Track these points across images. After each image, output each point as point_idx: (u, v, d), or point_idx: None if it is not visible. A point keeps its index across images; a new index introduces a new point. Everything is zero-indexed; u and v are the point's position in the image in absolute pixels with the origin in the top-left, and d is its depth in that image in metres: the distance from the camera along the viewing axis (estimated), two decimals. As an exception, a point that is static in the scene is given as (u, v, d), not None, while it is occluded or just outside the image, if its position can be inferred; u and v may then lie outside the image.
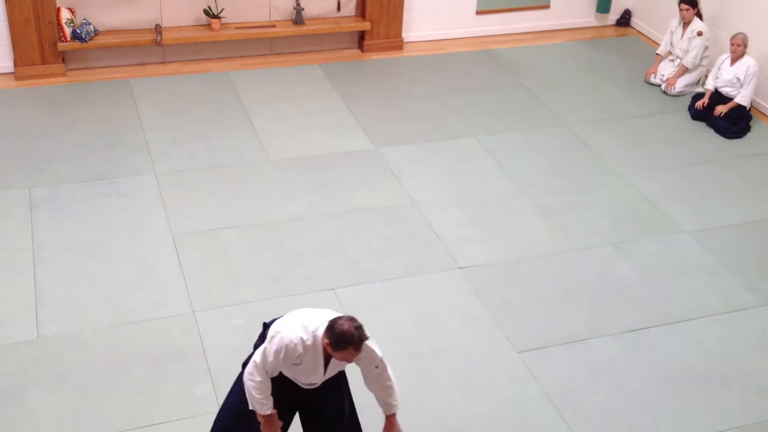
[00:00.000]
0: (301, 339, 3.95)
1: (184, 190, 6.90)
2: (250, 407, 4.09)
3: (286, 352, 3.95)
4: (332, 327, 3.89)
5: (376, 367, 4.13)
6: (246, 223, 6.56)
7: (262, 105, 8.21)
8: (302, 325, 4.00)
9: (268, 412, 4.10)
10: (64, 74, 8.48)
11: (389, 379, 4.20)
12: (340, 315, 3.97)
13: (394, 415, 4.32)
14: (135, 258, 6.14)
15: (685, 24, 8.83)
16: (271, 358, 3.97)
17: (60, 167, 7.09)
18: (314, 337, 3.98)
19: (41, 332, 5.46)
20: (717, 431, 5.07)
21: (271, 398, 4.09)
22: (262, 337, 4.22)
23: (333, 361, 4.08)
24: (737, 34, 8.25)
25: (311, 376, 4.13)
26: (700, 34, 8.70)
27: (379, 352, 4.09)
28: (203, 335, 5.50)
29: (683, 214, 6.99)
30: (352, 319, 3.90)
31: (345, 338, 3.85)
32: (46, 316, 5.59)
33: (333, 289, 5.95)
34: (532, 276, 6.21)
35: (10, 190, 6.77)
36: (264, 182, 7.07)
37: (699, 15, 8.81)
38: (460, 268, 6.24)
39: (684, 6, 8.72)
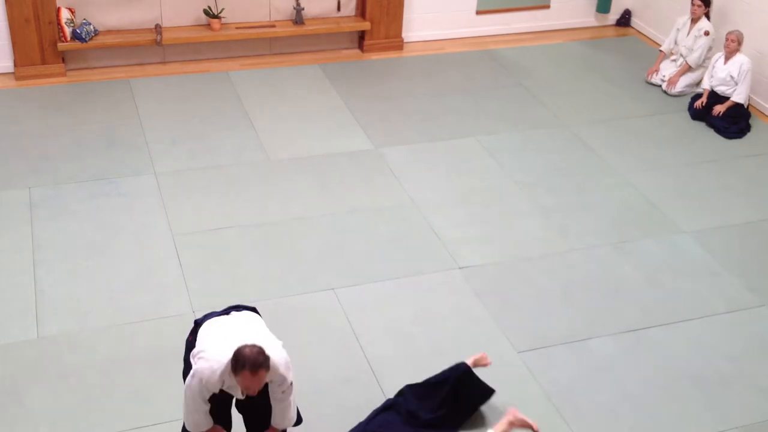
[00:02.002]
0: (213, 371, 4.00)
1: (184, 190, 6.90)
2: (189, 429, 4.25)
3: (206, 385, 4.04)
4: (235, 353, 3.95)
5: (283, 392, 4.24)
6: (246, 223, 6.56)
7: (262, 105, 8.21)
8: (216, 352, 4.04)
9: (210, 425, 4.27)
10: (64, 74, 8.48)
11: (290, 406, 4.33)
12: (247, 344, 3.97)
13: (271, 428, 4.46)
14: (135, 258, 6.14)
15: (693, 21, 8.83)
16: (196, 394, 4.09)
17: (60, 167, 7.09)
18: (224, 366, 4.04)
19: (41, 332, 5.46)
20: (717, 431, 5.07)
21: (209, 417, 4.22)
22: (193, 334, 4.28)
23: None
24: (732, 30, 8.28)
25: (242, 392, 4.20)
26: (707, 33, 8.70)
27: (289, 378, 4.18)
28: (203, 335, 5.50)
29: (683, 214, 6.99)
30: (255, 347, 3.94)
31: (241, 361, 3.90)
32: (46, 316, 5.59)
33: (333, 289, 5.95)
34: (532, 276, 6.21)
35: (10, 190, 6.77)
36: (264, 182, 7.07)
37: (707, 15, 8.81)
38: (460, 268, 6.24)
39: (697, 2, 8.71)
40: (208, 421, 4.25)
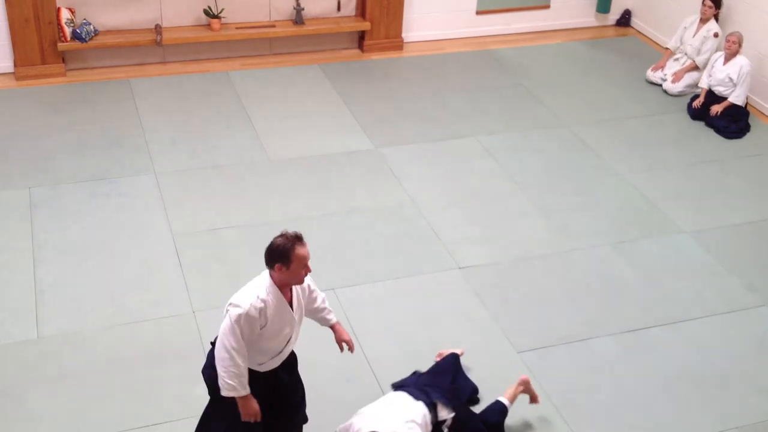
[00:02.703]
0: (253, 299, 3.99)
1: (184, 190, 6.90)
2: (225, 394, 4.07)
3: (247, 317, 3.97)
4: (269, 253, 4.00)
5: (310, 287, 4.32)
6: (246, 223, 6.56)
7: (262, 105, 8.21)
8: (246, 291, 4.06)
9: (244, 392, 4.09)
10: (64, 74, 8.48)
11: (319, 293, 4.43)
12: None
13: (337, 323, 4.54)
14: (135, 258, 6.14)
15: (702, 21, 8.82)
16: (236, 328, 3.97)
17: (60, 167, 7.09)
18: (264, 288, 4.03)
19: (41, 332, 5.46)
20: (717, 431, 5.07)
21: (246, 376, 4.08)
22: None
23: (295, 295, 4.16)
24: (733, 32, 8.27)
25: (284, 333, 4.13)
26: (716, 35, 8.70)
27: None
28: (203, 335, 5.50)
29: (683, 214, 6.99)
30: (278, 237, 4.04)
31: (285, 244, 3.98)
32: (46, 316, 5.59)
33: (333, 289, 5.95)
34: (532, 276, 6.21)
35: (10, 190, 6.77)
36: (264, 182, 7.07)
37: (716, 17, 8.81)
38: (460, 268, 6.24)
39: (708, 3, 8.71)
40: (245, 381, 4.04)
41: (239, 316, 3.96)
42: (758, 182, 7.50)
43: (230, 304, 4.03)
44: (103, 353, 5.33)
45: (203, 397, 5.04)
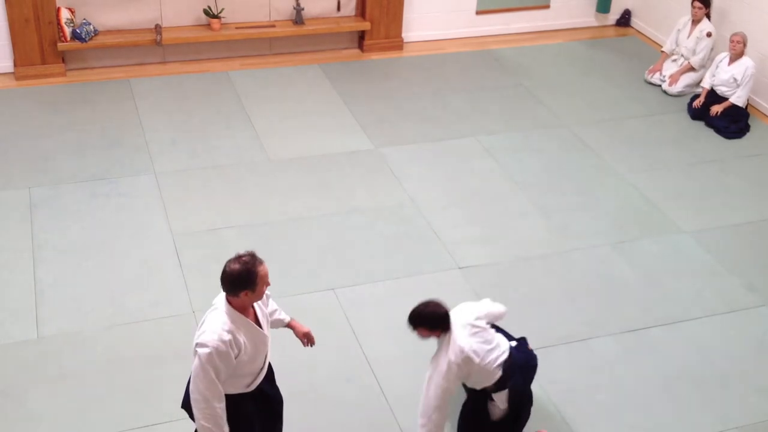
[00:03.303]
0: (219, 332, 3.84)
1: (184, 190, 6.90)
2: None
3: (218, 354, 3.83)
4: (232, 282, 3.84)
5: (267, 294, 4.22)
6: (246, 223, 6.56)
7: (262, 105, 8.21)
8: (209, 328, 3.90)
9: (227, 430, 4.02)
10: (63, 74, 8.48)
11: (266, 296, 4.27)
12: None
13: (291, 319, 4.47)
14: (135, 258, 6.14)
15: (694, 22, 8.83)
16: (209, 370, 3.84)
17: (60, 167, 7.09)
18: (226, 319, 3.89)
19: (41, 332, 5.46)
20: (717, 431, 5.07)
21: (223, 416, 3.96)
22: None
23: (258, 311, 4.06)
24: (737, 32, 8.25)
25: (260, 351, 4.04)
26: (709, 35, 8.70)
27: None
28: (203, 335, 5.49)
29: (683, 214, 6.99)
30: (230, 261, 3.88)
31: (247, 268, 3.83)
32: (46, 316, 5.59)
33: (333, 289, 5.95)
34: (532, 276, 6.21)
35: (10, 190, 6.77)
36: (264, 182, 7.07)
37: (708, 16, 8.81)
38: (460, 268, 6.24)
39: (697, 4, 8.71)
40: (222, 421, 3.97)
41: (209, 355, 3.82)
42: (758, 182, 7.50)
43: (197, 344, 3.86)
44: (103, 353, 5.33)
45: (203, 397, 5.04)
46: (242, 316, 3.95)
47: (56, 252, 6.15)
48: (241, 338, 3.92)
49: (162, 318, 5.63)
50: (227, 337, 3.85)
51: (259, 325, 4.06)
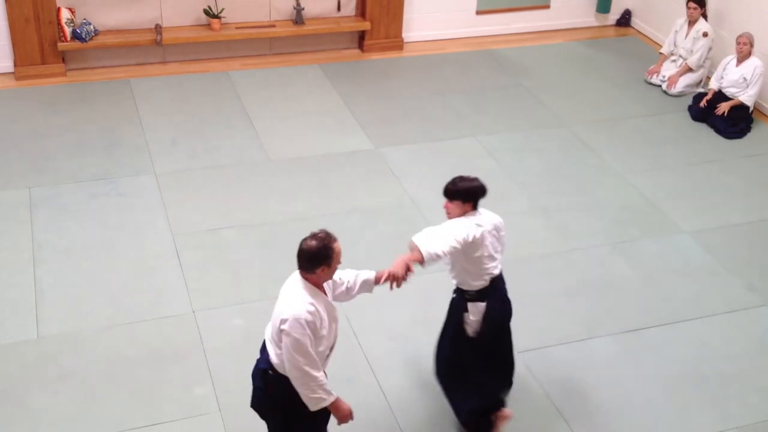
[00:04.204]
0: (305, 304, 3.92)
1: (184, 190, 6.90)
2: (315, 408, 4.01)
3: (308, 324, 3.89)
4: (310, 258, 3.92)
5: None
6: (246, 223, 6.56)
7: (262, 105, 8.21)
8: (292, 301, 3.97)
9: (333, 397, 4.05)
10: (64, 74, 8.48)
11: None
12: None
13: (374, 273, 4.41)
14: (135, 258, 6.14)
15: (691, 23, 8.83)
16: (303, 341, 3.88)
17: (60, 167, 7.09)
18: (306, 292, 3.97)
19: (41, 332, 5.46)
20: (717, 431, 5.07)
21: (326, 383, 4.03)
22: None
23: (327, 289, 4.13)
24: (743, 33, 8.22)
25: (332, 326, 4.11)
26: (705, 35, 8.70)
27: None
28: (203, 335, 5.50)
29: (683, 214, 6.99)
30: (307, 239, 3.95)
31: (324, 244, 3.91)
32: (46, 316, 5.59)
33: (333, 289, 5.95)
34: (532, 276, 6.21)
35: (10, 190, 6.77)
36: (264, 182, 7.07)
37: (704, 15, 8.81)
38: (460, 268, 6.23)
39: (692, 5, 8.71)
40: (328, 388, 4.01)
41: (301, 325, 3.87)
42: (758, 182, 7.50)
43: (282, 320, 3.91)
44: (103, 353, 5.33)
45: (203, 397, 5.05)
46: (319, 291, 4.04)
47: (56, 252, 6.15)
48: (321, 312, 3.99)
49: (162, 318, 5.63)
50: (311, 308, 3.93)
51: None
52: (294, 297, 3.98)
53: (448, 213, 4.64)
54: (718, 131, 8.21)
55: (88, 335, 5.46)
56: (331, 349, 4.19)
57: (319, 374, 3.97)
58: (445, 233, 4.47)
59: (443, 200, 4.71)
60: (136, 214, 6.60)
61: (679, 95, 8.84)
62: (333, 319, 4.11)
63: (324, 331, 4.02)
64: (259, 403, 4.24)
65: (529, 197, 7.09)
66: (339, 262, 4.02)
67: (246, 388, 5.11)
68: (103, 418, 4.89)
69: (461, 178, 4.62)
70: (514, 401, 5.12)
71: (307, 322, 3.89)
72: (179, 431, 4.84)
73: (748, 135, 8.23)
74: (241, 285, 5.95)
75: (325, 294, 4.12)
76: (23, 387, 5.06)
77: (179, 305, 5.74)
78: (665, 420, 5.11)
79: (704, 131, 8.27)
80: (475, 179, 4.63)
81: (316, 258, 3.93)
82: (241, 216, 6.64)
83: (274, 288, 5.88)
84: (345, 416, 4.13)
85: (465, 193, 4.59)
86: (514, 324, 5.74)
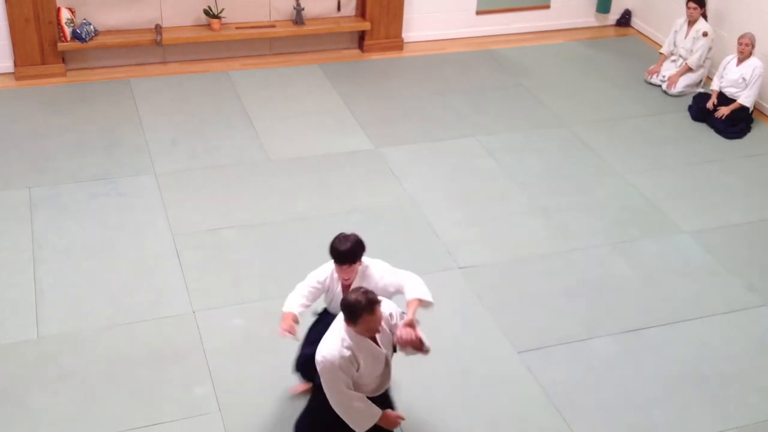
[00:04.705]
0: (339, 347, 4.03)
1: (184, 190, 6.90)
2: (366, 427, 4.16)
3: (341, 367, 4.03)
4: (344, 308, 4.00)
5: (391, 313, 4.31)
6: (246, 223, 6.56)
7: (262, 105, 8.21)
8: (330, 341, 4.09)
9: (379, 412, 4.20)
10: (64, 74, 8.48)
11: (389, 304, 4.38)
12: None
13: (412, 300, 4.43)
14: (135, 258, 6.14)
15: (690, 23, 8.83)
16: (336, 380, 4.04)
17: (60, 167, 7.09)
18: (345, 334, 4.06)
19: (41, 332, 5.46)
20: (717, 431, 5.07)
21: (366, 399, 4.16)
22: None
23: (378, 336, 4.18)
24: (744, 34, 8.21)
25: (375, 369, 4.18)
26: (705, 34, 8.69)
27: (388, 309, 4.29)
28: (203, 335, 5.50)
29: (683, 214, 6.99)
30: (352, 292, 4.02)
31: (357, 305, 3.96)
32: (46, 316, 5.59)
33: (333, 289, 5.95)
34: (532, 276, 6.21)
35: (10, 190, 6.77)
36: (264, 182, 7.07)
37: (704, 15, 8.81)
38: (460, 268, 6.24)
39: (692, 5, 8.70)
40: (370, 407, 4.17)
41: (332, 368, 4.02)
42: (758, 182, 7.50)
43: (319, 361, 4.05)
44: (103, 353, 5.33)
45: (203, 397, 5.05)
46: (363, 336, 4.10)
47: (56, 252, 6.15)
48: (359, 354, 4.09)
49: (162, 318, 5.63)
50: (347, 352, 4.05)
51: (378, 345, 4.19)
52: (332, 337, 4.10)
53: (347, 279, 4.54)
54: (718, 131, 8.22)
55: (88, 335, 5.46)
56: (383, 375, 4.28)
57: (358, 403, 4.12)
58: (416, 278, 4.58)
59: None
60: (136, 214, 6.60)
61: (679, 95, 8.84)
62: (376, 360, 4.19)
63: (362, 372, 4.14)
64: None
65: (529, 197, 7.09)
66: (377, 323, 4.06)
67: (246, 388, 5.12)
68: (103, 418, 4.89)
69: (344, 239, 4.52)
70: (515, 401, 5.13)
71: (340, 366, 4.03)
72: (179, 431, 4.84)
73: (748, 135, 8.23)
74: (241, 285, 5.95)
75: (373, 340, 4.17)
76: (23, 387, 5.06)
77: (179, 305, 5.74)
78: (665, 420, 5.11)
79: (704, 131, 8.27)
80: (350, 235, 4.55)
81: (353, 312, 4.00)
82: (241, 216, 6.64)
83: (274, 288, 5.92)
84: (394, 424, 4.30)
85: (360, 251, 4.54)
86: (515, 324, 5.76)
